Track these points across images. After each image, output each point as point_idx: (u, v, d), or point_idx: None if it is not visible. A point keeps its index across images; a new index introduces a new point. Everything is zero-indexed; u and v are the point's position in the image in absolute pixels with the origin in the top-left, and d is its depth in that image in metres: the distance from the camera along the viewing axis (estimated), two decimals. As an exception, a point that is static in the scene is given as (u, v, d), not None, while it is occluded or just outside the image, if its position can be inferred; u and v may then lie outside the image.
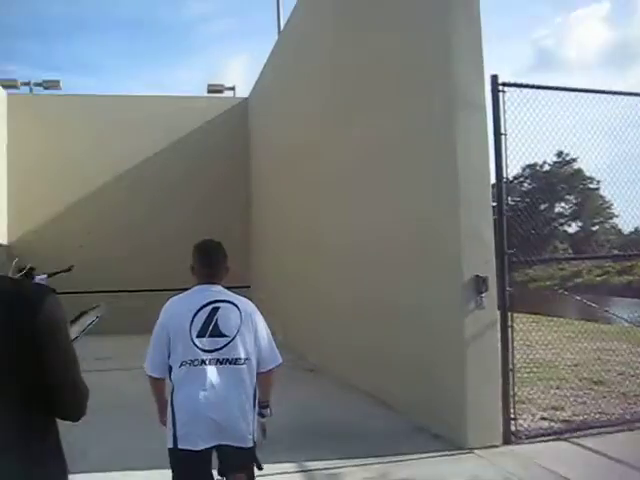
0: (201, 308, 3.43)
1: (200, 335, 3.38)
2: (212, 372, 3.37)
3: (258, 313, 3.61)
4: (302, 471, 5.45)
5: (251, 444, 3.52)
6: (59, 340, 1.93)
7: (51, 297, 1.92)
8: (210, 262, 3.65)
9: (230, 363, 3.40)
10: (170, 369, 3.46)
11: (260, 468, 3.71)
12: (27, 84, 18.97)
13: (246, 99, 18.56)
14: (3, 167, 17.08)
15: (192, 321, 3.40)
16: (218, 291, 3.55)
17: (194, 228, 17.31)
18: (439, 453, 5.78)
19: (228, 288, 3.61)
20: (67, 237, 16.74)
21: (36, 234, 16.86)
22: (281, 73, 14.15)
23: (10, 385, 1.83)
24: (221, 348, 3.39)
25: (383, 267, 7.86)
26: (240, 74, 40.21)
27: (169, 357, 3.44)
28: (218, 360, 3.38)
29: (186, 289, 3.64)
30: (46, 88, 18.98)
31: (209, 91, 19.29)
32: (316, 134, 10.70)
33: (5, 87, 17.64)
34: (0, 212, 16.79)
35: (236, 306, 3.51)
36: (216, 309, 3.45)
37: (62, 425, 2.05)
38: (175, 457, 3.44)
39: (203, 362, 3.37)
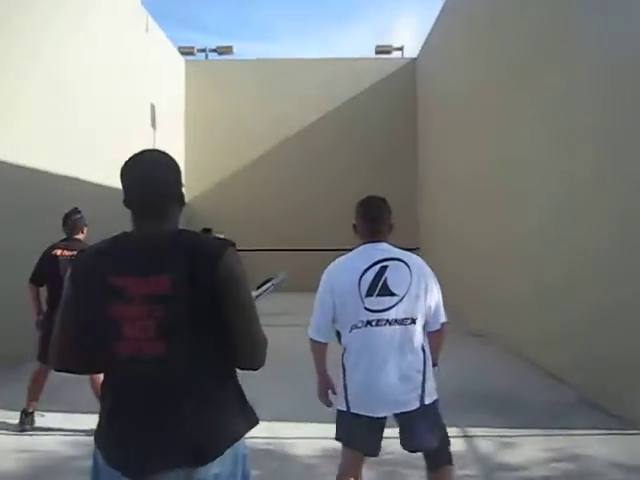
0: (369, 268, 3.25)
1: (369, 295, 3.22)
2: (382, 334, 3.21)
3: (429, 270, 3.41)
4: (465, 436, 5.31)
5: (426, 402, 3.35)
6: (238, 294, 1.98)
7: (230, 251, 1.97)
8: (374, 218, 3.44)
9: (399, 324, 3.22)
10: (338, 333, 3.37)
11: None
12: (203, 50, 19.82)
13: (414, 59, 18.19)
14: (181, 128, 18.07)
15: (360, 282, 3.23)
16: (385, 249, 3.36)
17: (358, 190, 17.52)
18: (612, 431, 5.44)
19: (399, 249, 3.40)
20: (235, 196, 17.50)
21: (208, 193, 17.77)
22: (452, 31, 13.68)
23: (194, 336, 1.92)
24: (391, 308, 3.22)
25: (569, 238, 7.29)
26: (410, 34, 39.28)
27: (335, 321, 3.32)
28: (387, 321, 3.21)
29: (347, 250, 3.44)
30: (220, 54, 19.74)
31: (377, 52, 19.12)
32: (492, 96, 10.19)
33: (183, 54, 18.55)
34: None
35: (406, 263, 3.31)
36: (384, 268, 3.26)
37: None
38: (346, 419, 3.34)
39: (371, 323, 3.22)
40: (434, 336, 3.43)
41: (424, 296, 3.30)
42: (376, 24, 41.90)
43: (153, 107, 14.67)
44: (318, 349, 3.47)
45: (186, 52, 18.96)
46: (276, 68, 18.37)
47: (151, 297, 1.90)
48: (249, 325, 2.05)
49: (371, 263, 3.27)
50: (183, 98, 18.24)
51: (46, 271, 5.55)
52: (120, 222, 9.48)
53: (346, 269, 3.35)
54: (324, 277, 3.41)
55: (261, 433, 5.27)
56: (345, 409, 3.32)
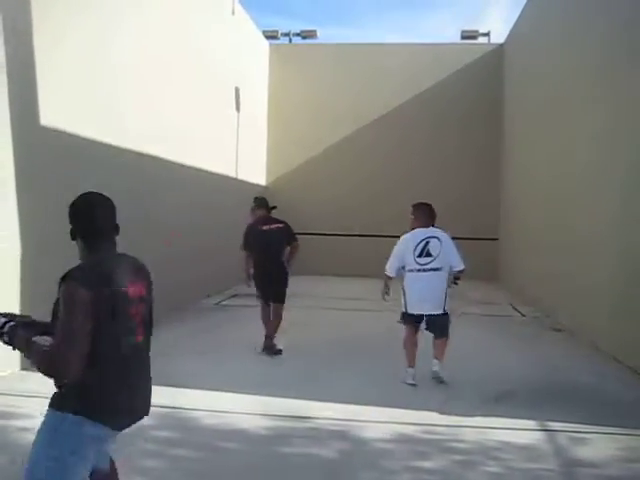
0: (421, 241, 6.46)
1: (419, 255, 6.44)
2: (424, 276, 6.41)
3: (450, 240, 6.51)
4: (544, 430, 5.21)
5: (443, 312, 6.47)
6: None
7: None
8: (426, 215, 6.60)
9: (434, 270, 6.41)
10: (403, 271, 6.54)
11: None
12: (287, 35, 19.91)
13: (501, 45, 17.73)
14: (264, 112, 18.27)
15: (415, 247, 6.46)
16: (430, 231, 6.52)
17: (438, 179, 17.37)
18: None
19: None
20: (314, 180, 17.58)
21: (287, 176, 17.93)
22: (542, 15, 13.27)
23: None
24: (430, 262, 6.42)
25: None
26: (498, 20, 38.20)
27: (401, 266, 6.53)
28: (427, 269, 6.41)
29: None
30: (304, 38, 19.79)
31: (462, 37, 18.72)
32: (582, 90, 9.81)
33: (267, 38, 18.70)
34: (261, 155, 18.07)
35: (438, 239, 6.47)
36: (428, 241, 6.44)
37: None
38: (406, 315, 6.57)
39: (420, 271, 6.43)
40: (455, 273, 6.58)
41: (447, 256, 6.46)
42: (462, 8, 40.99)
43: (237, 90, 14.87)
44: (389, 279, 6.70)
45: (270, 36, 19.11)
46: (359, 53, 18.29)
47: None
48: None
49: (422, 238, 6.48)
50: (266, 82, 18.41)
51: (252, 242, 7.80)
52: (208, 200, 9.63)
53: (409, 239, 6.56)
54: (400, 241, 6.62)
55: (335, 415, 5.43)
56: (405, 310, 6.57)
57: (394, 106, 17.75)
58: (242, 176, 15.24)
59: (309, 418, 5.38)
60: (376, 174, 17.71)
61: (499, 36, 18.19)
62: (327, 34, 41.95)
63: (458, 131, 17.50)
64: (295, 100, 18.17)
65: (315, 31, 19.72)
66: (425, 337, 6.75)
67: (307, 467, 4.35)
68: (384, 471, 4.31)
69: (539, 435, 5.12)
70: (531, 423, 5.35)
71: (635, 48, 7.82)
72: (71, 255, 2.80)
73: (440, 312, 6.41)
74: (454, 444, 4.88)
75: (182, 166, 10.87)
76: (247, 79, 15.99)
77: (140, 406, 2.77)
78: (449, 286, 6.48)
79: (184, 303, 10.65)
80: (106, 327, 2.50)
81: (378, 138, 17.73)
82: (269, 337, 7.76)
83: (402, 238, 6.55)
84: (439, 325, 6.45)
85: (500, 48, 17.70)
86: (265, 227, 7.89)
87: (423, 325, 6.53)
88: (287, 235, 7.95)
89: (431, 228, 6.49)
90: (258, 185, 17.41)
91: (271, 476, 4.21)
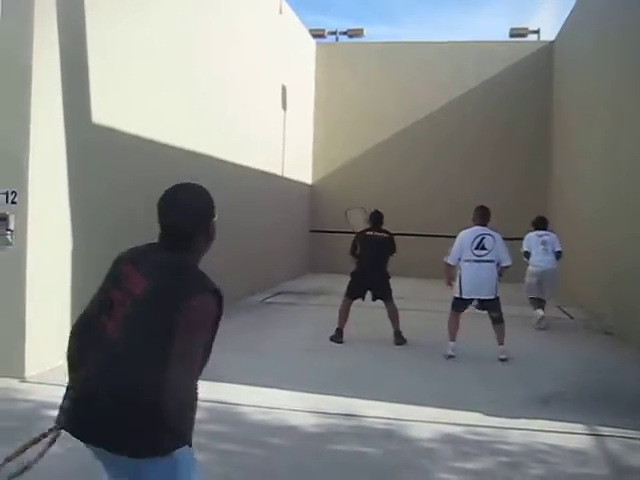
0: (477, 236, 7.64)
1: (476, 248, 7.59)
2: (479, 266, 7.55)
3: (501, 239, 7.67)
4: (594, 434, 5.13)
5: (495, 297, 7.59)
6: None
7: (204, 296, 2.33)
8: (483, 215, 7.81)
9: (487, 262, 7.55)
10: (459, 261, 7.69)
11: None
12: (333, 33, 19.93)
13: (551, 43, 17.42)
14: (310, 110, 18.33)
15: (473, 241, 7.62)
16: (485, 229, 7.69)
17: (487, 176, 17.19)
18: None
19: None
20: (360, 181, 17.49)
21: (334, 176, 17.94)
22: (595, 11, 13.02)
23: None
24: (484, 255, 7.57)
25: None
26: (548, 17, 37.53)
27: (459, 257, 7.68)
28: (482, 260, 7.55)
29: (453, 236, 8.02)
30: (350, 36, 19.78)
31: (511, 35, 18.46)
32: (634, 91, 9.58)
33: (314, 36, 18.76)
34: (307, 154, 18.15)
35: (492, 236, 7.63)
36: (483, 237, 7.62)
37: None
38: (459, 300, 7.68)
39: (476, 261, 7.57)
40: (502, 268, 7.68)
41: (498, 251, 7.59)
42: (513, 6, 40.41)
43: (284, 88, 14.97)
44: (450, 268, 7.86)
45: (317, 34, 19.15)
46: (406, 51, 18.16)
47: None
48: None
49: (479, 234, 7.67)
50: (313, 80, 18.46)
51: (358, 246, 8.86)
52: (254, 198, 9.74)
53: (468, 234, 7.75)
54: (459, 235, 7.80)
55: (383, 413, 5.46)
56: (459, 295, 7.67)
57: (443, 103, 17.60)
58: (288, 174, 15.34)
59: (357, 416, 5.41)
60: (422, 174, 17.60)
61: (549, 34, 17.86)
62: (374, 32, 41.85)
63: (505, 131, 17.26)
64: (341, 98, 18.16)
65: (362, 30, 19.68)
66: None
67: (353, 465, 4.39)
68: (427, 471, 4.32)
69: (588, 439, 5.04)
70: (580, 427, 5.28)
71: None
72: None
73: (493, 297, 7.57)
74: (500, 445, 4.85)
75: (229, 164, 10.99)
76: (294, 78, 16.08)
77: (90, 423, 2.22)
78: (499, 278, 7.67)
79: (229, 300, 10.76)
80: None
81: (424, 138, 17.61)
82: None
83: (461, 233, 7.83)
84: (493, 307, 7.63)
85: (550, 46, 17.38)
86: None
87: (471, 308, 7.80)
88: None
89: (486, 228, 7.71)
90: (304, 184, 17.51)
91: (318, 473, 4.25)
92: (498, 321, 7.63)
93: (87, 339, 2.35)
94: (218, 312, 2.34)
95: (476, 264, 7.58)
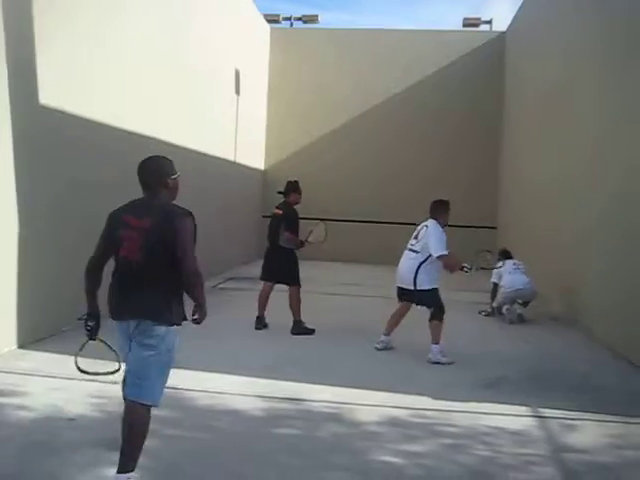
0: (419, 227, 7.40)
1: (413, 238, 7.37)
2: (404, 254, 7.34)
3: (433, 229, 7.10)
4: (536, 416, 5.28)
5: (415, 289, 7.08)
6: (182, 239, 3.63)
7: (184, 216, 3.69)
8: (432, 209, 7.37)
9: (412, 252, 7.22)
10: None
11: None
12: (288, 18, 19.82)
13: (503, 33, 17.65)
14: (264, 96, 18.21)
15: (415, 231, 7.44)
16: (429, 221, 7.28)
17: (439, 165, 17.37)
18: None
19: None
20: (312, 166, 17.44)
21: (287, 161, 17.86)
22: (543, 2, 13.20)
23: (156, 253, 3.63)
24: (413, 245, 7.28)
25: None
26: (503, 8, 37.95)
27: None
28: (409, 249, 7.32)
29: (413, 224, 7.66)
30: (305, 22, 19.70)
31: (464, 25, 18.62)
32: (588, 76, 9.70)
33: (269, 21, 18.62)
34: (260, 140, 18.04)
35: (426, 227, 7.22)
36: (421, 228, 7.31)
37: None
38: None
39: (406, 250, 7.36)
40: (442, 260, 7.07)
41: (427, 241, 7.06)
42: (465, -4, 40.73)
43: (238, 73, 14.84)
44: (450, 254, 7.09)
45: (271, 20, 19.01)
46: (361, 38, 18.19)
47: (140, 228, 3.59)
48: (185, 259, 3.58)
49: (420, 225, 7.41)
50: (267, 66, 18.34)
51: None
52: (205, 183, 9.65)
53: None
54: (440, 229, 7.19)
55: (330, 397, 5.49)
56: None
57: (395, 92, 17.70)
58: (240, 160, 15.24)
59: (304, 400, 5.44)
60: (376, 161, 17.70)
61: (502, 24, 18.08)
62: (329, 19, 41.80)
63: (459, 119, 17.47)
64: (296, 84, 18.11)
65: (317, 16, 19.62)
66: (415, 317, 6.81)
67: (300, 449, 4.41)
68: (372, 454, 4.37)
69: (530, 421, 5.18)
70: (523, 409, 5.42)
71: (636, 35, 7.82)
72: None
73: (412, 287, 7.10)
74: (445, 428, 4.94)
75: (181, 148, 10.85)
76: (248, 63, 15.95)
77: (122, 308, 3.63)
78: (419, 267, 7.09)
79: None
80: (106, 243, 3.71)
81: (379, 125, 17.70)
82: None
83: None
84: (420, 301, 7.19)
85: (502, 36, 17.64)
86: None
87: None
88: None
89: (434, 219, 7.26)
90: (256, 170, 17.43)
91: (265, 457, 4.27)
92: (431, 317, 7.08)
93: (99, 274, 3.71)
94: (193, 223, 3.67)
95: (405, 252, 7.34)
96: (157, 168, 3.80)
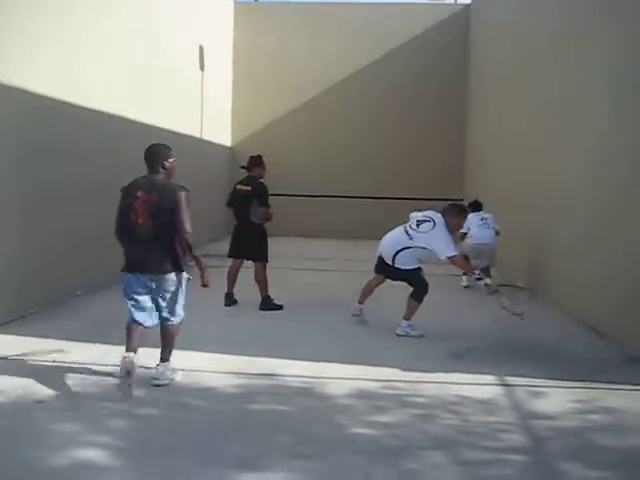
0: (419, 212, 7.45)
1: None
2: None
3: (439, 235, 6.93)
4: (503, 385, 5.39)
5: (394, 266, 7.09)
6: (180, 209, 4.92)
7: (179, 191, 4.99)
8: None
9: (406, 234, 7.11)
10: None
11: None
12: (252, -8, 19.55)
13: (468, 6, 17.66)
14: (229, 71, 18.00)
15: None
16: (431, 211, 7.33)
17: (407, 141, 17.39)
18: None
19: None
20: (281, 142, 17.38)
21: (253, 137, 17.73)
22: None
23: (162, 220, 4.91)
24: (412, 232, 7.09)
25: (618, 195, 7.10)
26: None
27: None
28: (406, 232, 7.13)
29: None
30: (270, -4, 19.44)
31: (429, -3, 18.62)
32: (551, 47, 9.77)
33: (232, -5, 18.35)
34: (227, 116, 17.87)
35: (434, 223, 7.07)
36: (425, 219, 7.16)
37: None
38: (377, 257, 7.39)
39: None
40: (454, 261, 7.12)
41: (426, 239, 7.02)
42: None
43: (202, 49, 14.62)
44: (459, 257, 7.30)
45: (235, -7, 18.71)
46: (327, 12, 18.00)
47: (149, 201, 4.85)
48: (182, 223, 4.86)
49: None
50: (231, 41, 18.10)
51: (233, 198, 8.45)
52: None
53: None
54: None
55: (301, 372, 5.52)
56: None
57: (363, 65, 17.64)
58: (207, 137, 15.10)
59: (276, 375, 5.47)
60: (350, 136, 17.67)
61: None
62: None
63: (426, 92, 17.51)
64: (262, 60, 17.90)
65: (282, -11, 19.35)
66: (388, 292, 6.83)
67: (272, 424, 4.43)
68: (343, 427, 4.41)
69: (497, 389, 5.28)
70: (490, 378, 5.52)
71: (600, 7, 7.89)
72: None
73: (390, 263, 7.15)
74: (414, 399, 5.01)
75: (145, 125, 10.69)
76: (211, 38, 15.73)
77: (141, 264, 4.90)
78: (402, 249, 7.06)
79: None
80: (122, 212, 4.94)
81: (347, 99, 17.66)
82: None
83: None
84: (403, 278, 7.21)
85: (467, 8, 17.68)
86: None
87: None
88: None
89: (437, 213, 7.22)
90: (223, 146, 17.28)
91: (237, 433, 4.29)
92: (411, 294, 7.09)
93: (126, 233, 4.93)
94: (188, 196, 4.96)
95: (398, 228, 7.28)
96: (156, 152, 5.05)
